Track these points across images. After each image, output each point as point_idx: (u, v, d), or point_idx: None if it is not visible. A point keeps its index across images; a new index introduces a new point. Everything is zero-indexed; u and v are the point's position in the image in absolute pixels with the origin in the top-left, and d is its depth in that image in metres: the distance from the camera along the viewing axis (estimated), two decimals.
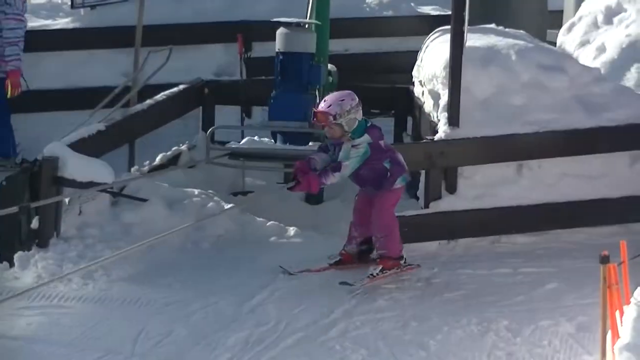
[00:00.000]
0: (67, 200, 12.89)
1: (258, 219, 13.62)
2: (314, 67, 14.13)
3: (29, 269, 12.15)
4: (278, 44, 14.21)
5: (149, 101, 15.05)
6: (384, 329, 10.73)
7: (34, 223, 12.48)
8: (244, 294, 11.59)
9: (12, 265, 12.19)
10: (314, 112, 11.23)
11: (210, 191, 14.06)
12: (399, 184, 11.40)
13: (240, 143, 14.56)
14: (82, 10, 18.39)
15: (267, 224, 13.48)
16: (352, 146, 11.00)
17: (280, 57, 14.18)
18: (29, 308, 11.28)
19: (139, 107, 14.92)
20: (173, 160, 14.32)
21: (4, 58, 15.25)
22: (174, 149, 14.31)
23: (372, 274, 11.33)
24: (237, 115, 15.86)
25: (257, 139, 14.93)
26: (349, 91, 11.66)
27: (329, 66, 14.54)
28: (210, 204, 13.73)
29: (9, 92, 15.24)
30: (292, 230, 13.48)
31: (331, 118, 10.88)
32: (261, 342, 10.56)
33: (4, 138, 15.53)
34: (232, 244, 13.20)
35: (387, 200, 11.43)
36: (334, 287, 11.77)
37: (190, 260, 12.63)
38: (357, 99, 11.40)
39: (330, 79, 14.51)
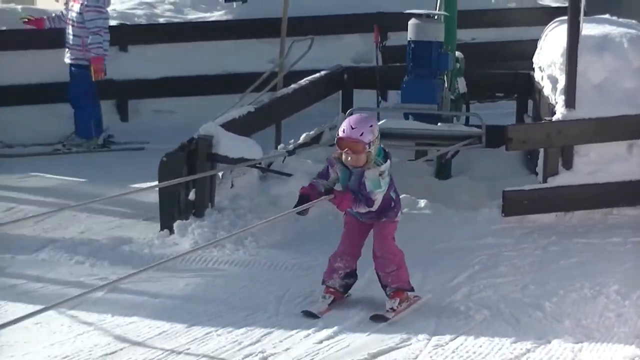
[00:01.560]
0: (220, 174, 13.22)
1: None
2: (443, 54, 14.20)
3: (187, 235, 12.50)
4: (410, 34, 14.31)
5: (293, 86, 15.31)
6: (505, 292, 10.91)
7: (191, 195, 12.82)
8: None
9: (171, 232, 12.58)
10: (342, 140, 9.61)
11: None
12: (399, 216, 10.38)
13: (380, 123, 14.44)
14: (234, 4, 18.71)
15: (400, 197, 13.64)
16: (380, 173, 9.73)
17: (412, 45, 14.27)
18: (186, 271, 11.68)
19: (284, 91, 15.18)
20: (316, 139, 14.46)
21: (87, 46, 15.69)
22: (316, 128, 14.41)
23: (392, 308, 10.08)
24: (373, 98, 15.88)
25: (392, 120, 14.67)
26: (367, 115, 10.69)
27: (457, 53, 14.57)
28: None
29: (93, 77, 15.70)
30: (422, 203, 13.64)
31: (366, 147, 9.52)
32: None
33: (86, 121, 15.95)
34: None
35: (390, 230, 10.28)
36: (457, 257, 12.10)
37: (330, 230, 12.53)
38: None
39: (458, 65, 14.54)
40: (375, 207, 9.85)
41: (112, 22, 18.57)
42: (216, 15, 18.55)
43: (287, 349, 9.48)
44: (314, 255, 11.97)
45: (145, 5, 19.82)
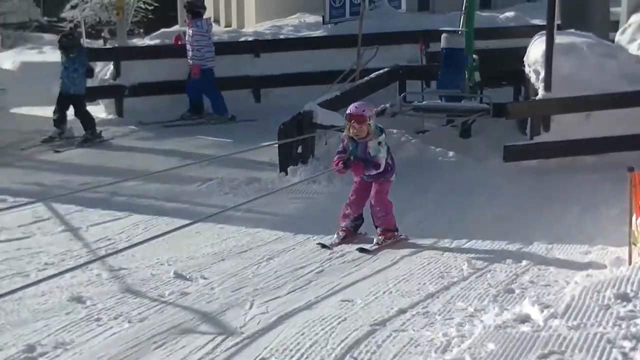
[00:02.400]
0: (318, 136, 13.57)
1: (430, 146, 14.18)
2: (464, 57, 14.56)
3: (296, 175, 12.98)
4: (443, 43, 14.66)
5: (366, 78, 15.65)
6: (500, 211, 11.51)
7: (299, 149, 13.31)
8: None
9: (286, 174, 13.05)
10: (351, 114, 10.07)
11: (403, 130, 14.54)
12: (394, 177, 10.42)
13: (421, 103, 14.89)
14: (329, 25, 19.03)
15: (436, 150, 14.06)
16: (379, 143, 10.04)
17: (444, 51, 14.62)
18: (295, 198, 12.32)
19: (360, 81, 15.53)
20: (381, 113, 14.58)
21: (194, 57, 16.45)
22: (382, 105, 14.59)
23: (378, 243, 10.16)
24: (419, 86, 16.14)
25: (431, 100, 15.02)
26: (366, 102, 10.98)
27: (474, 56, 14.80)
28: (403, 138, 14.42)
29: (191, 75, 16.58)
30: (450, 153, 13.99)
31: (367, 119, 9.93)
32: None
33: (220, 105, 16.38)
34: (416, 162, 13.63)
35: (385, 187, 10.32)
36: (471, 187, 12.56)
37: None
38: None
39: (475, 63, 14.77)
40: (382, 169, 10.09)
41: (249, 38, 19.12)
42: (318, 33, 18.87)
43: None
44: None
45: (275, 27, 20.27)
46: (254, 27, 24.63)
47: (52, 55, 17.19)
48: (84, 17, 41.94)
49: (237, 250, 10.14)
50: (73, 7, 43.05)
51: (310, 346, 7.36)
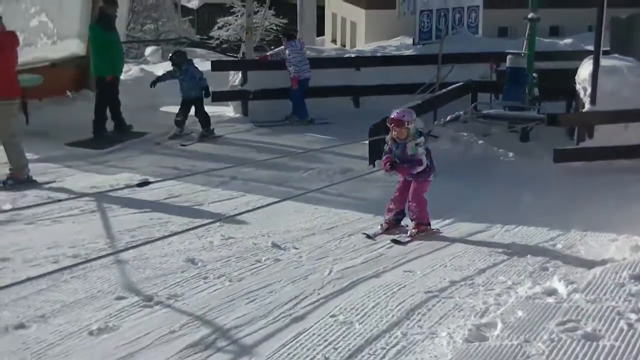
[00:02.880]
0: None
1: (494, 147, 13.90)
2: (526, 75, 14.29)
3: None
4: (508, 63, 14.41)
5: (443, 90, 15.46)
6: (548, 202, 11.32)
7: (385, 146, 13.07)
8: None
9: (374, 166, 12.84)
10: (392, 119, 9.66)
11: (472, 134, 14.24)
12: (432, 177, 9.92)
13: (489, 111, 14.65)
14: (418, 46, 18.86)
15: (499, 150, 13.79)
16: (417, 144, 9.55)
17: (509, 69, 14.39)
18: (377, 186, 12.06)
19: (439, 92, 15.39)
20: (455, 119, 14.43)
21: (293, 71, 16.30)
22: (456, 113, 14.45)
23: (411, 235, 9.68)
24: (488, 98, 15.81)
25: (498, 109, 14.70)
26: (410, 109, 10.35)
27: (534, 75, 14.50)
28: (472, 140, 14.11)
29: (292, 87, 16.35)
30: (511, 154, 13.68)
31: (406, 123, 9.50)
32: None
33: (303, 110, 16.28)
34: (482, 160, 13.44)
35: (423, 186, 9.81)
36: (526, 182, 12.29)
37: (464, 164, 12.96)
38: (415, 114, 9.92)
39: (534, 81, 14.48)
40: (424, 165, 9.64)
41: (352, 55, 19.10)
42: (408, 52, 18.73)
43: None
44: (450, 178, 11.94)
45: (380, 47, 20.13)
46: (363, 46, 24.60)
47: (201, 65, 17.49)
48: (228, 35, 42.56)
49: (325, 227, 10.17)
50: (219, 28, 43.77)
51: (373, 307, 7.53)
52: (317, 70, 17.21)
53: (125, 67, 17.54)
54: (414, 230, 9.75)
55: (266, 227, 9.99)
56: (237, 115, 17.30)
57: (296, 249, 9.21)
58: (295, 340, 6.73)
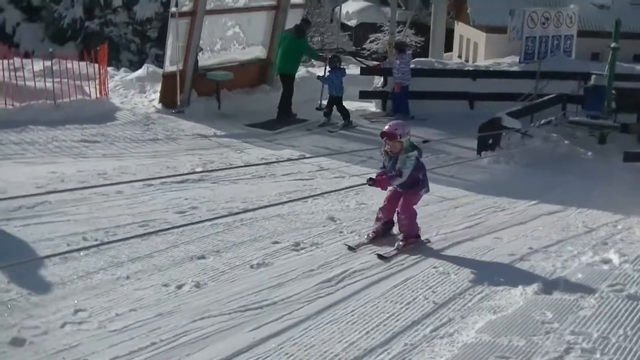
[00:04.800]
0: (503, 133, 12.97)
1: (577, 147, 13.50)
2: (605, 91, 13.93)
3: (487, 157, 12.57)
4: (592, 81, 14.20)
5: (540, 99, 15.03)
6: (608, 190, 11.03)
7: (490, 141, 12.81)
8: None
9: (481, 156, 12.59)
10: (383, 132, 7.79)
11: (560, 135, 13.72)
12: (423, 192, 8.10)
13: (575, 119, 14.23)
14: (523, 63, 18.18)
15: (580, 149, 13.42)
16: (407, 157, 7.72)
17: (593, 86, 14.15)
18: (482, 172, 11.96)
19: (536, 101, 14.95)
20: (547, 123, 14.02)
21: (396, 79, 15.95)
22: (548, 118, 14.19)
23: (398, 248, 7.87)
24: (575, 108, 15.20)
25: (580, 117, 14.34)
26: (402, 121, 8.56)
27: (612, 91, 13.97)
28: (559, 141, 13.69)
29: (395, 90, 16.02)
30: (589, 153, 13.30)
31: (398, 137, 7.66)
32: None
33: (406, 108, 16.04)
34: (566, 157, 13.04)
35: (413, 199, 8.05)
36: (598, 175, 11.91)
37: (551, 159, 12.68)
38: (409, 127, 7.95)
39: (613, 96, 13.99)
40: (404, 179, 7.75)
41: (470, 68, 18.79)
42: (514, 68, 18.18)
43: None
44: (539, 169, 11.99)
45: (494, 63, 19.61)
46: (482, 62, 24.22)
47: (354, 70, 17.78)
48: (377, 48, 42.59)
49: (437, 201, 10.08)
50: (371, 42, 43.82)
51: (466, 263, 7.59)
52: (441, 78, 17.09)
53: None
54: (400, 243, 8.00)
55: None
56: (378, 110, 17.32)
57: None
58: (403, 284, 6.89)
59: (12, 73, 13.61)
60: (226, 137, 13.52)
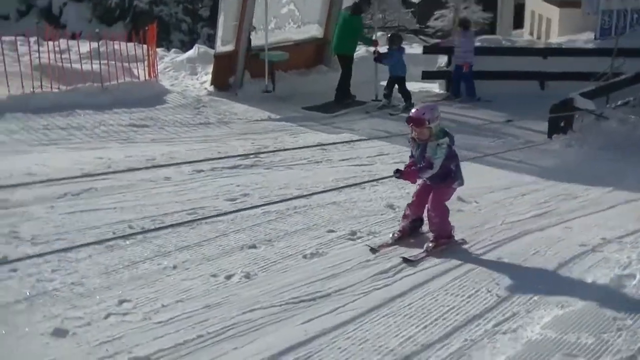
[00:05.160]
0: (576, 115, 12.76)
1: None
2: None
3: (559, 141, 12.45)
4: None
5: (617, 79, 14.70)
6: None
7: (562, 123, 12.60)
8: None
9: (551, 139, 12.49)
10: (410, 117, 7.18)
11: (639, 117, 13.45)
12: (456, 185, 7.48)
13: None
14: (598, 40, 17.91)
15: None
16: (438, 144, 7.09)
17: None
18: (553, 157, 11.78)
19: (612, 80, 14.66)
20: (624, 103, 13.77)
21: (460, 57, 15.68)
22: (626, 99, 13.85)
23: (427, 250, 7.29)
24: None
25: None
26: (434, 104, 7.98)
27: None
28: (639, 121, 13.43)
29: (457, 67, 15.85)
30: None
31: (427, 122, 7.03)
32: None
33: (472, 90, 15.88)
34: (638, 141, 12.54)
35: (445, 193, 7.45)
36: None
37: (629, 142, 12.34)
38: (439, 111, 7.29)
39: None
40: (435, 170, 7.14)
41: (541, 46, 18.50)
42: (589, 45, 17.92)
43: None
44: (615, 153, 11.80)
45: (570, 41, 19.24)
46: (555, 39, 23.85)
47: (417, 49, 17.65)
48: (442, 26, 42.29)
49: (503, 187, 10.00)
50: (435, 19, 43.50)
51: (533, 254, 7.46)
52: (509, 57, 16.92)
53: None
54: (430, 245, 7.38)
55: None
56: (442, 91, 17.21)
57: (477, 202, 9.15)
58: (465, 276, 6.83)
59: (59, 55, 13.85)
60: (281, 120, 13.61)
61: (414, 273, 6.88)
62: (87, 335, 5.46)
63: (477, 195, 9.44)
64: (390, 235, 7.64)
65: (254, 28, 15.58)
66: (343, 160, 11.01)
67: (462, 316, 6.00)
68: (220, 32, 15.15)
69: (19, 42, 14.46)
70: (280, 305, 6.08)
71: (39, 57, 13.67)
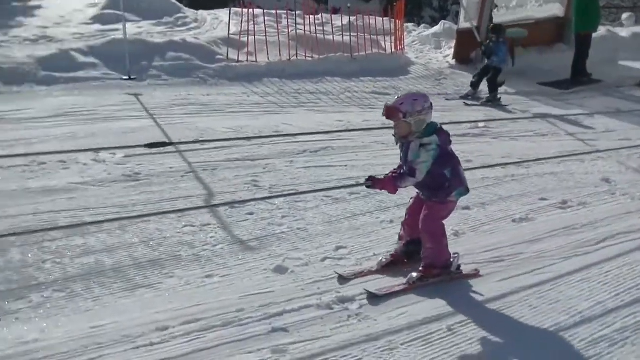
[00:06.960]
0: None
1: None
2: None
3: None
4: None
5: None
6: None
7: None
8: None
9: None
10: (385, 106, 5.29)
11: None
12: (454, 197, 5.49)
13: None
14: None
15: None
16: (421, 145, 5.24)
17: None
18: None
19: None
20: None
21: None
22: None
23: (410, 282, 5.53)
24: None
25: None
26: (424, 93, 5.56)
27: None
28: None
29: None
30: None
31: (400, 115, 5.19)
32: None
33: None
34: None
35: (438, 211, 5.50)
36: None
37: None
38: (430, 102, 5.40)
39: None
40: (419, 178, 5.31)
41: None
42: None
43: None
44: None
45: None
46: None
47: None
48: None
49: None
50: None
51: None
52: None
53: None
54: (414, 275, 5.61)
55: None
56: None
57: None
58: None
59: (319, 28, 14.56)
60: (514, 94, 13.43)
61: (618, 244, 6.66)
62: (304, 274, 5.81)
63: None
64: (380, 259, 5.96)
65: (496, 6, 15.41)
66: (569, 134, 10.74)
67: None
68: (464, 9, 15.16)
69: (283, 16, 15.33)
70: (481, 263, 6.13)
71: (296, 30, 14.42)
